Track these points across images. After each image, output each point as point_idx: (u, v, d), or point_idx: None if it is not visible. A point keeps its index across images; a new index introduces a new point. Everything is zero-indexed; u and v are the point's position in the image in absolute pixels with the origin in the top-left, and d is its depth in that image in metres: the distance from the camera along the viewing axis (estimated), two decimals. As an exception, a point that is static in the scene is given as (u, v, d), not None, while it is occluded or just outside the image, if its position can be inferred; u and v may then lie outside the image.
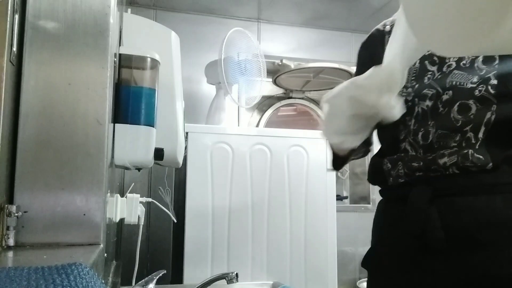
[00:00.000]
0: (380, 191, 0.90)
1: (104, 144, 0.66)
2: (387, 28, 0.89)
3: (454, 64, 0.76)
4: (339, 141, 0.77)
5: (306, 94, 2.43)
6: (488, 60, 0.73)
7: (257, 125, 2.40)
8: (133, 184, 1.36)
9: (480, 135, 0.71)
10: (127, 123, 0.87)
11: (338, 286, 1.72)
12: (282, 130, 1.79)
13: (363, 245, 2.35)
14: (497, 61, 0.72)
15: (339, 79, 2.18)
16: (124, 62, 0.89)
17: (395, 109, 0.69)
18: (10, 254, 0.58)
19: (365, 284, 2.21)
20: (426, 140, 0.77)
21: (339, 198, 2.40)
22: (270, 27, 2.40)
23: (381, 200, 0.90)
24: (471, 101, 0.72)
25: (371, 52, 0.90)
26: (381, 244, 0.87)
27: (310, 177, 1.74)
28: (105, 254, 0.72)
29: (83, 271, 0.42)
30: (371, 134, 0.91)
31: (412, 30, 0.45)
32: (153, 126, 0.91)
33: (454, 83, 0.74)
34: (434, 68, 0.78)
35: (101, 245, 0.64)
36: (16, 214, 0.60)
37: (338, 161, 0.88)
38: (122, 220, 1.05)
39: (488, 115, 0.70)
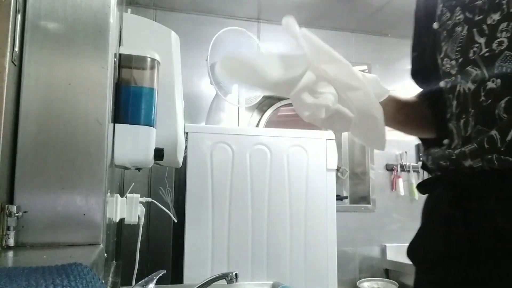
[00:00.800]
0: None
1: (104, 144, 0.66)
2: None
3: (506, 42, 0.59)
4: None
5: (306, 94, 2.43)
6: None
7: (257, 125, 2.40)
8: (133, 184, 1.36)
9: (509, 137, 0.56)
10: (127, 123, 0.87)
11: (338, 286, 1.72)
12: (282, 130, 1.79)
13: (363, 245, 2.35)
14: None
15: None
16: (124, 62, 0.89)
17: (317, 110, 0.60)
18: (10, 254, 0.58)
19: (365, 284, 2.21)
20: (465, 132, 0.64)
21: (339, 198, 2.40)
22: (270, 27, 2.39)
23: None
24: None
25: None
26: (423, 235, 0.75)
27: (310, 177, 1.73)
28: (105, 254, 0.72)
29: (83, 271, 0.42)
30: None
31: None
32: (153, 126, 0.91)
33: (504, 69, 0.59)
34: (482, 41, 0.62)
35: (101, 245, 0.64)
36: (16, 214, 0.60)
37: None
38: (122, 220, 1.05)
39: None
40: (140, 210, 1.08)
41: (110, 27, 0.69)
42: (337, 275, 1.72)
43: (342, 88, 0.63)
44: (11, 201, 0.61)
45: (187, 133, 1.60)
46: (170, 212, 1.47)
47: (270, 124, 2.42)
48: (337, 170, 1.78)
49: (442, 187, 0.68)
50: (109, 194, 0.76)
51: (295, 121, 2.54)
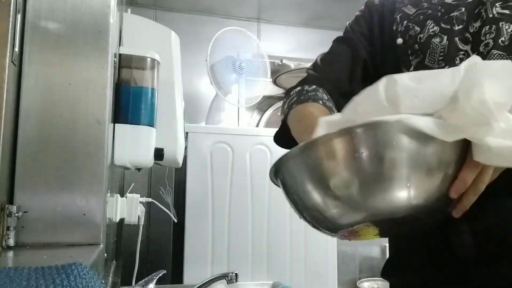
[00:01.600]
0: None
1: (104, 144, 0.66)
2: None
3: (491, 43, 0.64)
4: None
5: (306, 94, 2.43)
6: None
7: (257, 125, 2.39)
8: (133, 184, 1.36)
9: None
10: (127, 123, 0.87)
11: (338, 286, 1.72)
12: (282, 130, 1.79)
13: (363, 245, 2.35)
14: None
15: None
16: (124, 62, 0.89)
17: None
18: (10, 254, 0.58)
19: (365, 284, 2.21)
20: None
21: (339, 198, 2.40)
22: (270, 27, 2.39)
23: None
24: None
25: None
26: (400, 251, 0.77)
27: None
28: (105, 254, 0.72)
29: (83, 271, 0.42)
30: None
31: None
32: (153, 126, 0.91)
33: None
34: (468, 47, 0.66)
35: (101, 245, 0.64)
36: (16, 214, 0.60)
37: (285, 138, 0.77)
38: (122, 220, 1.05)
39: None
40: (140, 210, 1.08)
41: (110, 27, 0.69)
42: (337, 275, 1.72)
43: None
44: (11, 201, 0.61)
45: (187, 133, 1.60)
46: (170, 212, 1.47)
47: (270, 124, 2.41)
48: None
49: None
50: (109, 194, 0.76)
51: (295, 121, 2.54)
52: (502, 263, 0.60)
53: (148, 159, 0.90)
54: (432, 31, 0.70)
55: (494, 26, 0.64)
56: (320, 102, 0.72)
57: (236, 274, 1.25)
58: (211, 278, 1.26)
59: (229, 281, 1.24)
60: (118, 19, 0.92)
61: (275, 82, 2.29)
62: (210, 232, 1.61)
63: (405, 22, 0.74)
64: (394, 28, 0.75)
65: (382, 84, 0.47)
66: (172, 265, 1.83)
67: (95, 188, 0.65)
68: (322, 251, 1.71)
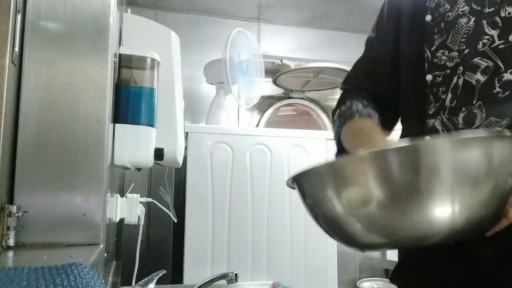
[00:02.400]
0: None
1: (104, 144, 0.66)
2: None
3: None
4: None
5: (306, 94, 2.42)
6: None
7: (257, 125, 2.39)
8: (133, 184, 1.36)
9: None
10: (127, 123, 0.87)
11: (338, 286, 1.72)
12: (282, 130, 1.79)
13: (363, 245, 2.35)
14: None
15: (339, 79, 2.18)
16: (124, 62, 0.89)
17: None
18: (10, 254, 0.58)
19: (365, 284, 2.21)
20: (470, 125, 0.61)
21: (339, 198, 2.40)
22: (270, 27, 2.39)
23: None
24: None
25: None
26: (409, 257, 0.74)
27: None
28: (105, 254, 0.72)
29: (83, 271, 0.42)
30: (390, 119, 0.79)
31: None
32: (153, 126, 0.91)
33: None
34: (494, 33, 0.61)
35: (101, 245, 0.64)
36: (16, 214, 0.60)
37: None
38: (122, 220, 1.05)
39: None
40: (140, 210, 1.08)
41: (110, 27, 0.69)
42: (337, 275, 1.72)
43: None
44: (11, 201, 0.61)
45: (187, 133, 1.60)
46: (170, 212, 1.47)
47: (270, 124, 2.41)
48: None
49: None
50: (109, 194, 0.76)
51: (295, 121, 2.54)
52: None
53: (148, 159, 0.90)
54: (461, 11, 0.66)
55: None
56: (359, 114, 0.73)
57: (236, 274, 1.25)
58: (211, 278, 1.26)
59: (229, 281, 1.24)
60: (118, 19, 0.92)
61: (275, 82, 2.29)
62: (210, 232, 1.61)
63: None
64: (427, 4, 0.72)
65: None
66: (172, 265, 1.83)
67: (95, 188, 0.65)
68: (322, 251, 1.71)
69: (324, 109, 2.40)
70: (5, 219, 0.59)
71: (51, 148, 0.64)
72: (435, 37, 0.69)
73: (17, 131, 0.63)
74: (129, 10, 1.17)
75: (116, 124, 0.85)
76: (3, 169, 0.58)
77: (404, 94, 0.76)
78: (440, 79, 0.66)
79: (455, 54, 0.65)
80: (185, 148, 1.49)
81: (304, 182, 0.53)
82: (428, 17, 0.71)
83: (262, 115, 2.42)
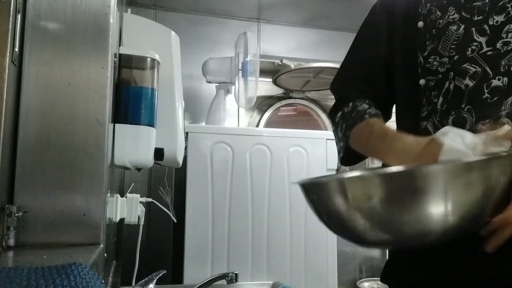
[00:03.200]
0: None
1: (104, 144, 0.66)
2: None
3: None
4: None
5: (306, 94, 2.42)
6: None
7: (257, 125, 2.39)
8: (133, 184, 1.36)
9: None
10: (127, 123, 0.87)
11: (338, 286, 1.72)
12: (282, 130, 1.78)
13: (363, 245, 2.35)
14: None
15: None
16: (124, 62, 0.89)
17: None
18: (10, 254, 0.58)
19: (365, 284, 2.21)
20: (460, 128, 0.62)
21: (339, 198, 2.40)
22: (270, 27, 2.39)
23: None
24: None
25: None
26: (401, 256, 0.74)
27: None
28: (105, 254, 0.72)
29: (83, 271, 0.42)
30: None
31: None
32: (153, 126, 0.91)
33: None
34: (483, 40, 0.64)
35: (101, 245, 0.64)
36: (16, 214, 0.60)
37: (353, 158, 0.78)
38: (122, 220, 1.05)
39: None
40: (140, 210, 1.08)
41: (110, 27, 0.69)
42: (337, 275, 1.72)
43: None
44: (11, 201, 0.61)
45: (187, 133, 1.60)
46: (170, 212, 1.47)
47: (270, 124, 2.41)
48: (337, 170, 1.78)
49: None
50: (109, 194, 0.76)
51: (295, 121, 2.54)
52: None
53: (148, 159, 0.90)
54: (452, 18, 0.69)
55: None
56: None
57: (236, 274, 1.25)
58: (211, 278, 1.26)
59: (229, 281, 1.24)
60: (118, 19, 0.92)
61: (275, 82, 2.29)
62: (210, 232, 1.61)
63: (428, 4, 0.73)
64: (419, 10, 0.74)
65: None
66: (172, 265, 1.83)
67: (95, 188, 0.65)
68: (322, 251, 1.71)
69: (324, 109, 2.40)
70: (5, 219, 0.59)
71: (51, 148, 0.64)
72: (427, 43, 0.71)
73: (17, 131, 0.63)
74: (129, 10, 1.17)
75: (116, 124, 0.85)
76: (3, 169, 0.58)
77: (399, 97, 0.77)
78: (433, 83, 0.68)
79: (445, 60, 0.67)
80: (185, 148, 1.49)
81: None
82: (420, 23, 0.73)
83: (262, 115, 2.42)
